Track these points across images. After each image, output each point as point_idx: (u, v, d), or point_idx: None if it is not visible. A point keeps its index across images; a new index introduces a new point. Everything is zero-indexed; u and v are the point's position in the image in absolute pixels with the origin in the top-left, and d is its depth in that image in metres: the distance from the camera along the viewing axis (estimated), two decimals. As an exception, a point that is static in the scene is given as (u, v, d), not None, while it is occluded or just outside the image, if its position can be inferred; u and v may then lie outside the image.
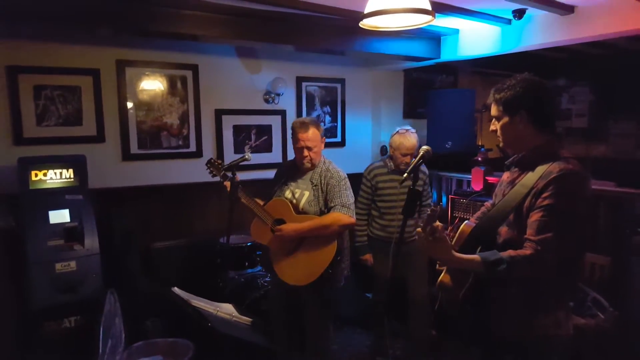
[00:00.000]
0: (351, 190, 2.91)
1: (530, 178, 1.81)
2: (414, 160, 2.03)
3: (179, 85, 4.20)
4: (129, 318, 3.04)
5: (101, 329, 2.77)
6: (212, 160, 3.04)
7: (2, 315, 3.08)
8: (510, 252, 1.73)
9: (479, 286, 1.85)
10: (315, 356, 3.03)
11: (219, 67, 4.37)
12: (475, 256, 1.76)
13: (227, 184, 2.92)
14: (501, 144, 1.96)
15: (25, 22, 3.09)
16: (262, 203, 2.95)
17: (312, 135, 2.83)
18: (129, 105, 4.00)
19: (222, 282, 3.73)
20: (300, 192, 2.92)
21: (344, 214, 2.77)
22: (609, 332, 3.14)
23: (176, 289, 3.27)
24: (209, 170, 3.03)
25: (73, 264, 3.22)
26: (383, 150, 5.27)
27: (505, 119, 1.89)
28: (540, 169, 1.80)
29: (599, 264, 3.38)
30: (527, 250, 1.71)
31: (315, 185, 2.87)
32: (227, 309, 3.32)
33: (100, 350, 2.72)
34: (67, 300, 3.19)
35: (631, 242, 3.37)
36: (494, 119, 1.96)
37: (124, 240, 3.98)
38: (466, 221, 2.04)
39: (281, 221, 2.89)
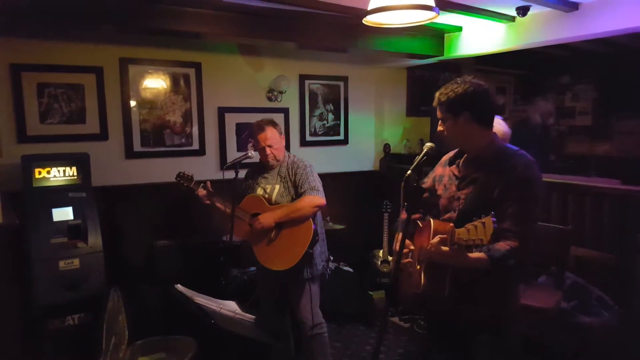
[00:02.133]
0: (317, 175, 3.05)
1: (492, 173, 1.93)
2: (418, 157, 2.03)
3: (182, 83, 4.20)
4: (132, 315, 3.05)
5: (104, 326, 2.78)
6: (182, 173, 3.23)
7: (6, 312, 3.08)
8: (504, 246, 1.84)
9: (457, 277, 1.93)
10: (310, 339, 3.05)
11: (222, 65, 4.36)
12: (482, 255, 1.84)
13: (201, 191, 3.11)
14: (448, 143, 2.08)
15: (29, 20, 3.09)
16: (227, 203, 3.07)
17: (270, 134, 3.00)
18: (132, 103, 4.00)
19: (225, 279, 3.73)
20: (271, 187, 3.06)
21: (314, 196, 2.92)
22: (614, 330, 3.14)
23: (179, 286, 3.28)
24: (180, 182, 3.21)
25: (76, 261, 3.23)
26: (386, 148, 5.26)
27: (450, 120, 2.02)
28: (499, 164, 1.94)
29: (603, 261, 3.37)
30: (514, 242, 1.84)
31: (284, 178, 3.04)
32: (230, 306, 3.33)
33: (104, 347, 2.73)
34: (71, 298, 3.19)
35: (636, 240, 3.35)
36: (440, 121, 2.08)
37: (127, 238, 3.99)
38: (433, 219, 2.06)
39: (257, 214, 3.00)
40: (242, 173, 3.15)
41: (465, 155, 2.11)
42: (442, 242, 1.84)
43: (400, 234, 2.20)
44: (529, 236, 1.87)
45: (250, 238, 3.03)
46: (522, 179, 1.88)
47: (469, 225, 1.72)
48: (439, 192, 2.17)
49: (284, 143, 3.11)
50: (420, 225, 2.17)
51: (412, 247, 2.14)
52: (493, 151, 2.00)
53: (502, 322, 2.03)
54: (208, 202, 3.11)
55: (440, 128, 2.08)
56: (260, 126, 3.03)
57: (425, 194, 2.18)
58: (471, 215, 1.85)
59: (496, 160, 1.96)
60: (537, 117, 6.49)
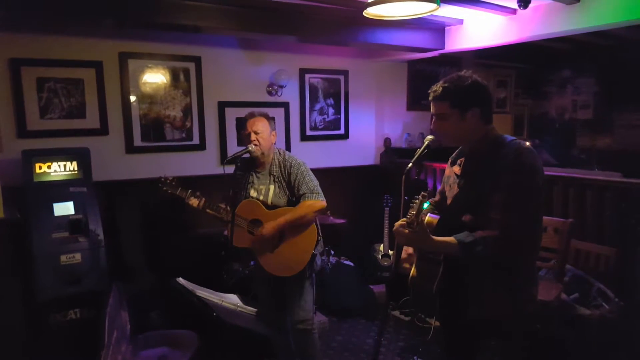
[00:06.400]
0: (311, 173, 2.96)
1: (486, 165, 1.89)
2: (419, 150, 2.02)
3: (181, 77, 4.19)
4: (133, 310, 3.06)
5: (106, 320, 2.78)
6: (164, 179, 3.05)
7: (9, 306, 3.09)
8: (480, 233, 1.77)
9: (452, 274, 1.88)
10: (302, 333, 3.03)
11: (222, 59, 4.35)
12: (451, 239, 1.79)
13: (193, 201, 3.00)
14: (445, 140, 1.98)
15: (28, 14, 3.08)
16: (223, 206, 2.98)
17: (259, 122, 2.91)
18: (132, 97, 4.00)
19: (226, 274, 3.74)
20: (265, 188, 2.96)
21: (314, 200, 2.86)
22: (614, 322, 3.14)
23: (181, 280, 3.29)
24: (164, 189, 3.04)
25: (78, 256, 3.24)
26: (387, 142, 5.25)
27: (455, 116, 1.90)
28: (495, 153, 1.87)
29: (604, 254, 3.37)
30: (494, 231, 1.76)
31: (277, 177, 2.94)
32: (232, 299, 3.34)
33: (106, 342, 2.74)
34: (73, 292, 3.21)
35: (637, 232, 3.36)
36: (437, 116, 1.96)
37: (128, 232, 3.99)
38: (428, 214, 2.06)
39: (256, 221, 2.92)
40: (243, 167, 3.13)
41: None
42: (403, 225, 1.82)
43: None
44: (515, 226, 1.76)
45: (252, 246, 2.94)
46: (511, 167, 1.80)
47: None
48: (447, 193, 2.11)
49: (274, 140, 2.99)
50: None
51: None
52: (488, 143, 1.93)
53: (510, 326, 1.94)
54: (199, 208, 3.00)
55: (436, 124, 1.97)
56: (251, 114, 2.99)
57: (427, 190, 2.18)
58: (459, 209, 1.85)
59: (490, 152, 1.90)
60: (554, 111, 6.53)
